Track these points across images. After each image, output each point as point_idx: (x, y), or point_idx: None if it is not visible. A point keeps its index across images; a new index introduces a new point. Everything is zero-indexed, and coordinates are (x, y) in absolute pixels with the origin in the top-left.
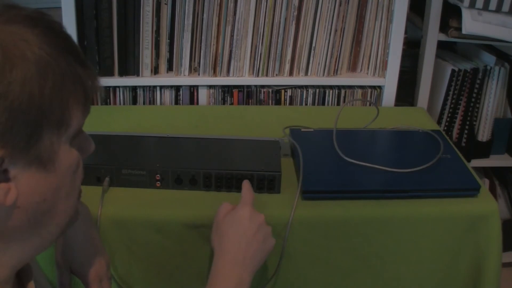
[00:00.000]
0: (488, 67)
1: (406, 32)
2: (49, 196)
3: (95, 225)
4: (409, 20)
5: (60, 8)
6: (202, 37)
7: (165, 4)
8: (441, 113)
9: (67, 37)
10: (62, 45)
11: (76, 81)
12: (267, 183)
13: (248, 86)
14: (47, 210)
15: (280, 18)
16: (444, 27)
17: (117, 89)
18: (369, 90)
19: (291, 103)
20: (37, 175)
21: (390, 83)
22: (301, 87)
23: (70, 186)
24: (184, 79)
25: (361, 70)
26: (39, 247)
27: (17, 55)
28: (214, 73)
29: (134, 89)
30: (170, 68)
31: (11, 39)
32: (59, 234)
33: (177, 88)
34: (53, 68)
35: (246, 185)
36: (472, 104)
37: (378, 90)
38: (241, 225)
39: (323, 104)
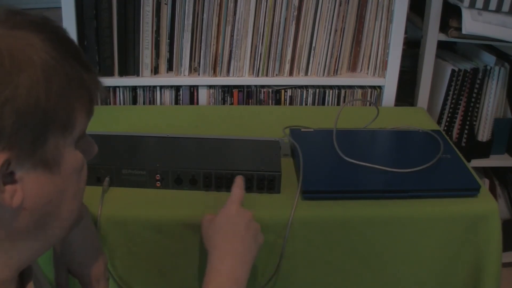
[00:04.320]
0: (488, 67)
1: (406, 32)
2: (55, 197)
3: (94, 225)
4: (409, 20)
5: (60, 8)
6: (202, 37)
7: (165, 4)
8: (441, 113)
9: (71, 43)
10: (66, 50)
11: (81, 86)
12: (267, 183)
13: (248, 86)
14: (52, 211)
15: (280, 18)
16: (444, 27)
17: (117, 89)
18: (369, 90)
19: (291, 103)
20: (42, 177)
21: (390, 83)
22: (301, 87)
23: (75, 188)
24: (184, 79)
25: (361, 70)
26: (43, 248)
27: (24, 59)
28: (214, 73)
29: (134, 89)
30: (170, 68)
31: (18, 44)
32: (62, 236)
33: (177, 88)
34: (58, 73)
35: (238, 181)
36: (472, 104)
37: (378, 90)
38: (231, 222)
39: (323, 104)
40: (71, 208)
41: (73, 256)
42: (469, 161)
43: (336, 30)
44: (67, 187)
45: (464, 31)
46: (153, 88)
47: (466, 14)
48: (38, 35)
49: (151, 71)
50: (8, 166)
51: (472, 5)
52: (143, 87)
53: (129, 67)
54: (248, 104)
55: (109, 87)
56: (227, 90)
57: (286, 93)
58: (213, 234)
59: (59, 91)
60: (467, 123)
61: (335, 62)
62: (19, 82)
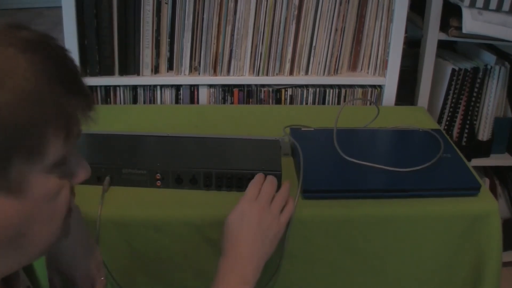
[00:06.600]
0: (489, 67)
1: (406, 32)
2: (22, 221)
3: (85, 225)
4: (409, 19)
5: (60, 7)
6: (203, 36)
7: (166, 3)
8: (442, 113)
9: (66, 66)
10: (55, 74)
11: (59, 113)
12: None
13: (249, 86)
14: (23, 234)
15: (280, 17)
16: (444, 27)
17: (117, 88)
18: (370, 90)
19: (291, 103)
20: (5, 201)
21: (390, 82)
22: (301, 86)
23: (46, 213)
24: (185, 79)
25: (361, 70)
26: (22, 262)
27: None
28: (215, 73)
29: (134, 88)
30: (170, 67)
31: (1, 63)
32: (42, 253)
33: (177, 88)
34: (32, 100)
35: (256, 178)
36: (472, 104)
37: (379, 89)
38: (240, 221)
39: (324, 103)
40: (45, 232)
41: (61, 256)
42: (469, 160)
43: (336, 30)
44: (36, 212)
45: (464, 31)
46: (153, 87)
47: (467, 14)
48: (28, 56)
49: (152, 71)
50: None
51: (472, 4)
52: (144, 86)
53: (130, 66)
54: (249, 104)
55: (110, 86)
56: (227, 89)
57: (286, 92)
58: (224, 235)
59: (30, 117)
60: (468, 122)
61: (336, 61)
62: None
